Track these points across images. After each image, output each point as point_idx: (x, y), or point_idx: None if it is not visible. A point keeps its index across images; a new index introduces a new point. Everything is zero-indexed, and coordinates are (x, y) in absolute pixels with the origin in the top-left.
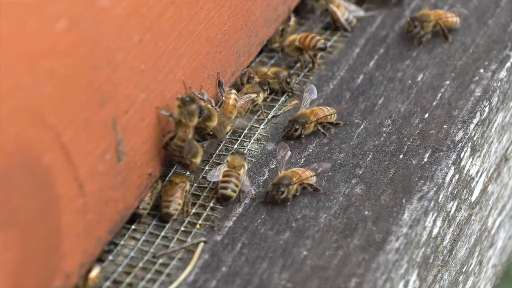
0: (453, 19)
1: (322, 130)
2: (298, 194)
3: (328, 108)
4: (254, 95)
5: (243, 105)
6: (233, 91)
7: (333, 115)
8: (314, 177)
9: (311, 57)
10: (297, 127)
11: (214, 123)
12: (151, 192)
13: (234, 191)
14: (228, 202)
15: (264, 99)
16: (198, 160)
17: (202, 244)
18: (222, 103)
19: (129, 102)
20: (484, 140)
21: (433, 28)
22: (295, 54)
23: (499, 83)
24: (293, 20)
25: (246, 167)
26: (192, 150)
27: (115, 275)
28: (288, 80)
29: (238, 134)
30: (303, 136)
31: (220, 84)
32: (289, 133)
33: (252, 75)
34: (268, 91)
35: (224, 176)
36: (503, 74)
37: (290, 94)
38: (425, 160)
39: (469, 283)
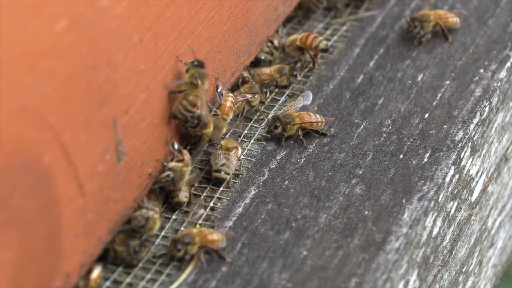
0: (453, 19)
1: (300, 136)
2: (202, 258)
3: (317, 115)
4: (249, 96)
5: (236, 104)
6: (230, 94)
7: (320, 124)
8: (222, 241)
9: (311, 57)
10: (277, 124)
11: (210, 129)
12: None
13: (228, 173)
14: (222, 184)
15: (261, 102)
16: (209, 130)
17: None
18: (219, 105)
19: (129, 102)
20: (484, 140)
21: (433, 28)
22: (296, 54)
23: (499, 83)
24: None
25: (240, 149)
26: (205, 119)
27: (115, 275)
28: (294, 73)
29: (238, 134)
30: (283, 138)
31: (217, 89)
32: (269, 129)
33: (247, 79)
34: (268, 94)
35: (217, 159)
36: (503, 74)
37: (290, 94)
38: (425, 160)
39: (469, 283)
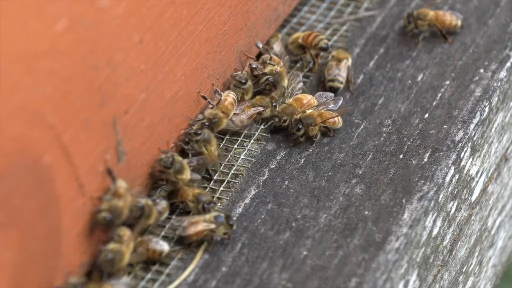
0: (450, 21)
1: (317, 138)
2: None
3: (334, 113)
4: (261, 109)
5: (249, 116)
6: (232, 93)
7: (337, 122)
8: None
9: (312, 56)
10: (300, 127)
11: (186, 176)
12: None
13: (341, 83)
14: (336, 93)
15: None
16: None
17: (203, 244)
18: (219, 101)
19: (129, 102)
20: (484, 140)
21: (428, 28)
22: (298, 52)
23: (499, 83)
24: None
25: (350, 59)
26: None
27: None
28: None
29: (238, 134)
30: (304, 139)
31: (215, 92)
32: (291, 131)
33: (258, 71)
34: (277, 108)
35: (329, 69)
36: (503, 74)
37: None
38: (425, 160)
39: (469, 283)
